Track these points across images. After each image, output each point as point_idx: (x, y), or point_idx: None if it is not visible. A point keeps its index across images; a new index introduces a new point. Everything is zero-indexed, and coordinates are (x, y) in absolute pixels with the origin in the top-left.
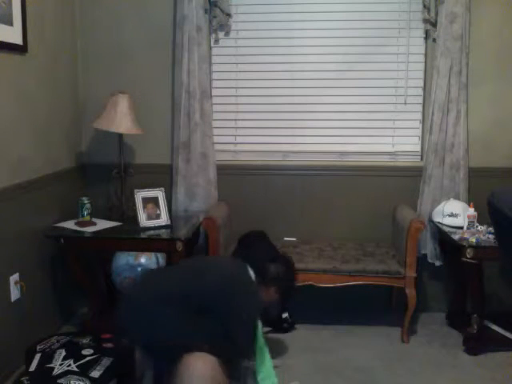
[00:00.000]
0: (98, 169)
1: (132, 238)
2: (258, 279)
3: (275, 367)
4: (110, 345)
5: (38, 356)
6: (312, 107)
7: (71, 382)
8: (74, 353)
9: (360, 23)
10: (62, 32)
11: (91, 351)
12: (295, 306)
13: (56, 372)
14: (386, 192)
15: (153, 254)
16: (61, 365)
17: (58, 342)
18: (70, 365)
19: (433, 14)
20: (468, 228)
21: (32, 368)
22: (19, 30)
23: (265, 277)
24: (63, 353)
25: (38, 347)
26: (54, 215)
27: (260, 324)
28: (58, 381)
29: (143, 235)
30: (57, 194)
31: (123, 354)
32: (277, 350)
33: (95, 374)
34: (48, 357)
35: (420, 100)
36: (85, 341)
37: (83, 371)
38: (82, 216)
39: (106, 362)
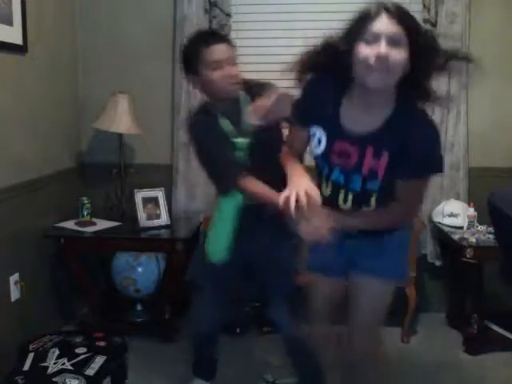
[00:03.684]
0: (97, 169)
1: (132, 238)
2: None
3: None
4: (102, 343)
5: (31, 355)
6: None
7: (66, 380)
8: (67, 351)
9: None
10: (61, 32)
11: (84, 350)
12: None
13: (51, 371)
14: None
15: (153, 253)
16: (55, 363)
17: (50, 341)
18: (64, 363)
19: (433, 14)
20: (468, 228)
21: (26, 367)
22: (19, 30)
23: None
24: (56, 352)
25: (31, 346)
26: (54, 215)
27: None
28: (53, 379)
29: (143, 235)
30: (57, 194)
31: (116, 352)
32: (277, 350)
33: (90, 372)
34: (41, 356)
35: None
36: (77, 339)
37: (78, 369)
38: (82, 216)
39: (100, 360)
